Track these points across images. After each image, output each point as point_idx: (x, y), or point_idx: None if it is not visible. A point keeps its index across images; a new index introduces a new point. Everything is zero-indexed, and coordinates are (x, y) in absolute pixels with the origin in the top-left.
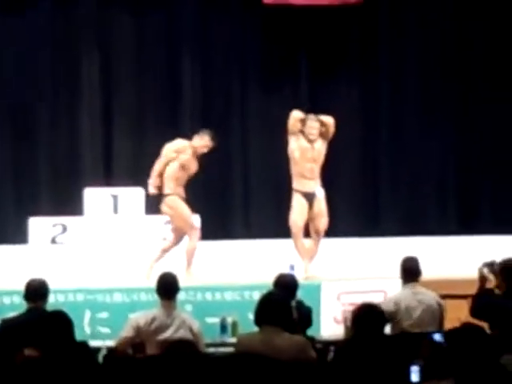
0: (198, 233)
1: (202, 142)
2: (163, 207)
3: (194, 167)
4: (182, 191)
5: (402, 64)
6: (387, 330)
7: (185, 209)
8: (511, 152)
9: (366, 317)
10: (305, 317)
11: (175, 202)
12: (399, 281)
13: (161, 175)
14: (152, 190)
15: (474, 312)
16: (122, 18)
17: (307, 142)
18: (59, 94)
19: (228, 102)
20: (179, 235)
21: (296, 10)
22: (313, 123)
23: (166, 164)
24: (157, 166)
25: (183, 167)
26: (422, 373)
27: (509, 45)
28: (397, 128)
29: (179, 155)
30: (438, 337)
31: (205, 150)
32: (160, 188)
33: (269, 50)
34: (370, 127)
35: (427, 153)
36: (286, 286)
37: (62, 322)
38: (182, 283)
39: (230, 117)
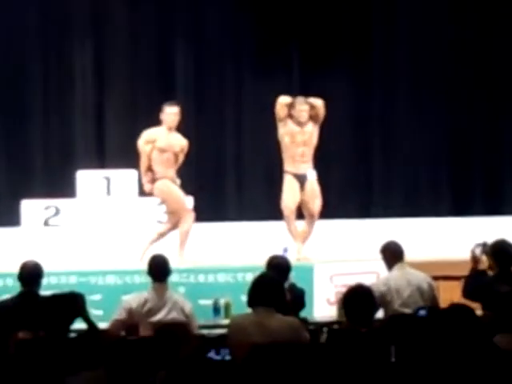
0: (191, 215)
1: (168, 113)
2: (155, 191)
3: (175, 143)
4: (172, 174)
5: (394, 49)
6: (380, 312)
7: (176, 191)
8: (504, 134)
9: (357, 299)
10: (298, 299)
11: (166, 186)
12: None
13: (149, 168)
14: (148, 187)
15: (466, 293)
16: (114, 6)
17: (297, 125)
18: (51, 79)
19: (221, 88)
20: (174, 218)
21: None
22: (302, 106)
23: (149, 156)
24: (141, 165)
25: (162, 150)
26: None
27: (501, 29)
28: (389, 112)
29: (154, 143)
30: (422, 312)
31: (175, 118)
32: (153, 180)
33: (261, 36)
34: (362, 112)
35: (420, 136)
36: (278, 267)
37: (76, 302)
38: (174, 265)
39: (224, 102)
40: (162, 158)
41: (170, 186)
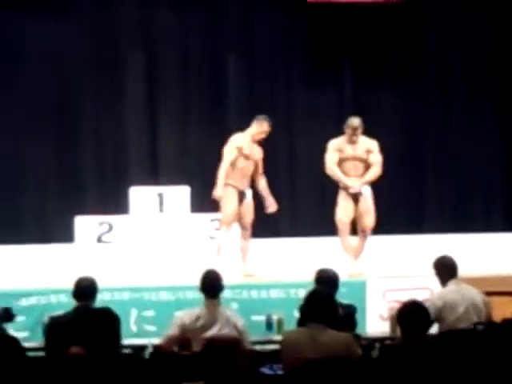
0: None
1: (260, 128)
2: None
3: (256, 153)
4: (244, 184)
5: (446, 63)
6: (434, 327)
7: (230, 204)
8: None
9: (412, 314)
10: (349, 317)
11: (232, 195)
12: None
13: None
14: (220, 191)
15: None
16: (165, 14)
17: (348, 143)
18: (104, 94)
19: (273, 102)
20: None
21: (340, 9)
22: (354, 125)
23: (232, 161)
24: (224, 168)
25: (247, 157)
26: None
27: None
28: (441, 126)
29: (241, 150)
30: (480, 328)
31: (263, 136)
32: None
33: (313, 50)
34: (413, 127)
35: (473, 151)
36: (328, 281)
37: (108, 319)
38: (228, 281)
39: (275, 115)
40: (242, 165)
41: (234, 196)
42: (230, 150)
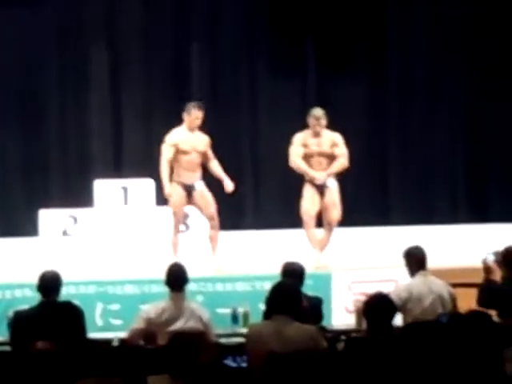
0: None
1: (190, 116)
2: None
3: (198, 143)
4: (186, 177)
5: (410, 56)
6: (399, 318)
7: (173, 200)
8: None
9: (378, 307)
10: (314, 310)
11: (171, 189)
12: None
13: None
14: (168, 191)
15: (480, 302)
16: (129, 6)
17: (312, 136)
18: (68, 86)
19: (236, 91)
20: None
21: None
22: (319, 115)
23: (171, 159)
24: (165, 168)
25: (185, 152)
26: None
27: None
28: (405, 119)
29: (177, 146)
30: (444, 319)
31: (197, 123)
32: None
33: (277, 40)
34: (377, 118)
35: (436, 142)
36: (294, 274)
37: (72, 313)
38: (192, 274)
39: (239, 106)
40: (184, 159)
41: (178, 191)
42: (165, 149)
